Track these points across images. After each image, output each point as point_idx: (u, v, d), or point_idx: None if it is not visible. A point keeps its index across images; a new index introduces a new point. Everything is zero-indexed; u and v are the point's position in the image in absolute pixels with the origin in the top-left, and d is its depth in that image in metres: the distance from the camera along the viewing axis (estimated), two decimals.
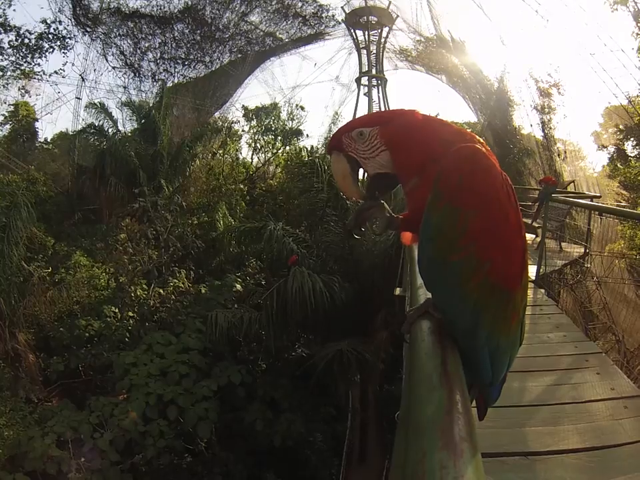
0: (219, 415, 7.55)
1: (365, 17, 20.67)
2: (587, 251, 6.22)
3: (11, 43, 16.05)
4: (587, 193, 10.44)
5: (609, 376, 2.90)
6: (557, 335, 3.57)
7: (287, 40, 21.24)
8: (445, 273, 0.80)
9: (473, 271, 0.78)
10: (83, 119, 17.24)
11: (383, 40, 21.32)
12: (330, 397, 8.84)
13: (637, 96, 13.05)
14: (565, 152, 17.88)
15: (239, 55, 20.51)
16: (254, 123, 20.18)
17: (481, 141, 0.86)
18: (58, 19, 17.07)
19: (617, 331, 5.63)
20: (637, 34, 11.96)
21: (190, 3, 19.51)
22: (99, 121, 14.73)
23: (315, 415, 8.58)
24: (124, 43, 19.36)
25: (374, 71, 22.04)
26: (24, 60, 16.45)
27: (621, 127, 14.30)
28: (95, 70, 18.54)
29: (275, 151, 20.30)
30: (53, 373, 8.53)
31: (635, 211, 7.13)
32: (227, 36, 20.27)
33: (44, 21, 16.76)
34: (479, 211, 0.77)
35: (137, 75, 19.58)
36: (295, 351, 9.26)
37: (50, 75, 17.20)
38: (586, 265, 6.08)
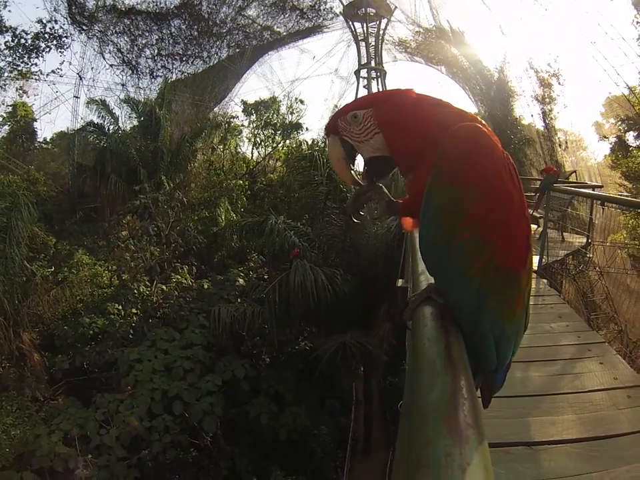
0: (224, 410, 7.60)
1: (363, 9, 20.48)
2: (589, 240, 6.20)
3: (7, 44, 15.96)
4: (588, 182, 10.39)
5: (612, 365, 2.90)
6: (560, 324, 3.57)
7: (285, 33, 21.10)
8: (447, 256, 0.78)
9: (476, 253, 0.75)
10: (81, 118, 17.22)
11: (381, 32, 21.14)
12: (334, 389, 8.88)
13: None
14: (566, 142, 17.79)
15: (237, 50, 20.39)
16: (253, 117, 20.09)
17: (482, 122, 0.83)
18: (53, 18, 16.92)
19: (619, 320, 5.63)
20: (638, 22, 11.85)
21: None
22: (101, 118, 14.67)
23: (319, 407, 8.63)
24: (121, 41, 19.25)
25: (373, 63, 21.87)
26: (21, 60, 16.36)
27: (622, 116, 14.21)
28: (92, 68, 18.44)
29: (274, 145, 20.24)
30: (58, 371, 8.59)
31: (636, 199, 7.10)
32: (224, 31, 20.14)
33: (40, 21, 16.63)
34: (481, 190, 0.74)
35: (135, 72, 19.48)
36: (298, 344, 9.29)
37: (47, 75, 17.08)
38: (588, 255, 6.06)
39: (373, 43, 21.39)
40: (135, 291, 9.69)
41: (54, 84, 17.42)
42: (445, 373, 0.52)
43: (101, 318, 9.28)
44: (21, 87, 17.11)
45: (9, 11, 17.55)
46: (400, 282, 4.14)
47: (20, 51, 16.22)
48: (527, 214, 0.84)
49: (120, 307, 9.50)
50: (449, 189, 0.75)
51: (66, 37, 17.33)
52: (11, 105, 17.42)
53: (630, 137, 14.36)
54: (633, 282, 7.40)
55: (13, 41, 16.03)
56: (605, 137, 15.79)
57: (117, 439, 6.80)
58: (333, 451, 8.25)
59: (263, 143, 20.24)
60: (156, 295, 9.80)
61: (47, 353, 8.91)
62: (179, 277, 10.32)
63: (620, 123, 14.62)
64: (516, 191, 0.79)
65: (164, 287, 10.00)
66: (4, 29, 15.82)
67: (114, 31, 18.94)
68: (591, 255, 6.11)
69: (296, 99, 20.47)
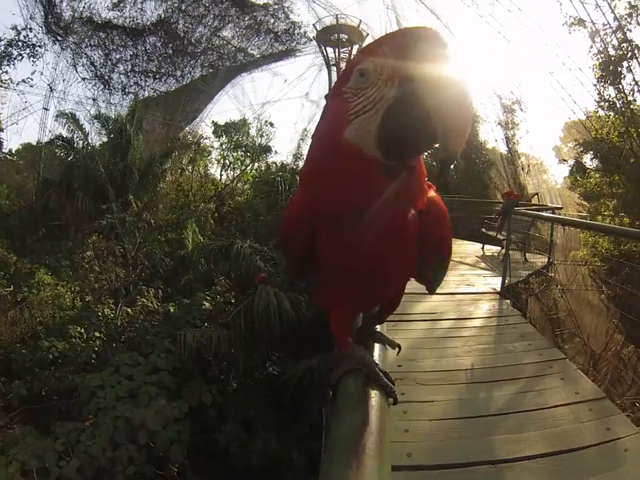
0: (191, 437, 7.32)
1: (336, 35, 21.09)
2: (551, 260, 6.47)
3: None
4: (549, 204, 10.90)
5: (573, 380, 3.01)
6: (522, 344, 3.68)
7: (258, 56, 21.40)
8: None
9: None
10: (50, 131, 16.80)
11: (352, 57, 21.71)
12: (303, 414, 8.72)
13: (595, 111, 13.76)
14: (529, 165, 18.65)
15: (210, 70, 20.51)
16: (224, 138, 20.07)
17: None
18: (29, 26, 16.59)
19: (582, 335, 5.86)
20: (594, 54, 12.69)
21: (163, 16, 19.45)
22: (70, 132, 14.27)
23: (289, 432, 8.43)
24: (95, 54, 19.07)
25: None
26: None
27: (580, 141, 15.00)
28: (63, 80, 18.11)
29: (243, 167, 20.23)
30: (14, 398, 8.09)
31: (591, 222, 7.50)
32: (198, 50, 20.27)
33: (14, 28, 16.25)
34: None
35: (107, 87, 19.25)
36: (266, 369, 9.11)
37: (17, 84, 16.63)
38: (550, 275, 6.32)
39: (344, 68, 21.95)
40: (99, 314, 9.32)
41: (23, 94, 17.02)
42: (357, 410, 0.54)
43: (62, 341, 8.85)
44: None
45: None
46: None
47: None
48: None
49: (82, 330, 9.09)
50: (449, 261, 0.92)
51: (39, 46, 16.96)
52: None
53: (587, 159, 15.16)
54: (594, 297, 7.76)
55: None
56: (564, 160, 16.61)
57: (77, 470, 6.40)
58: (304, 477, 8.04)
59: (232, 165, 20.22)
60: (120, 318, 9.44)
61: (2, 379, 8.41)
62: (145, 300, 10.00)
63: (577, 146, 15.43)
64: None
65: (129, 310, 9.65)
66: None
67: (88, 44, 18.75)
68: (552, 274, 6.37)
69: (266, 121, 20.63)
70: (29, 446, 6.58)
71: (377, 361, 0.83)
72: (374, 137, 0.64)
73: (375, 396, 0.60)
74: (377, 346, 0.91)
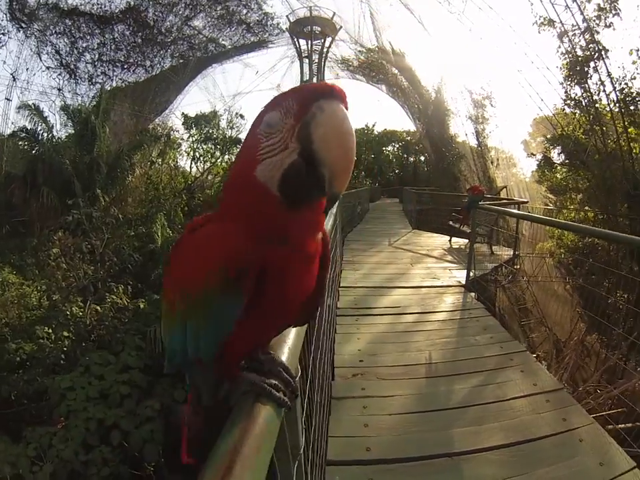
0: (165, 436, 7.25)
1: (309, 27, 20.93)
2: (517, 252, 6.67)
3: None
4: (516, 198, 11.19)
5: (532, 373, 3.10)
6: (484, 337, 3.76)
7: (229, 47, 21.00)
8: None
9: None
10: (12, 122, 16.08)
11: (325, 49, 21.68)
12: None
13: (562, 109, 14.17)
14: (498, 159, 19.10)
15: (181, 61, 20.01)
16: (194, 131, 19.73)
17: None
18: None
19: (547, 323, 6.09)
20: (562, 53, 13.01)
21: (132, 3, 18.79)
22: (33, 124, 13.68)
23: None
24: (60, 42, 18.29)
25: (315, 80, 22.31)
26: None
27: (547, 136, 15.44)
28: (27, 69, 17.34)
29: (214, 160, 19.93)
30: None
31: (553, 219, 7.74)
32: (169, 40, 19.74)
33: None
34: None
35: (73, 76, 18.53)
36: None
37: None
38: (515, 267, 6.51)
39: (317, 60, 21.86)
40: (67, 313, 9.05)
41: None
42: (238, 426, 0.56)
43: (29, 343, 8.57)
44: None
45: None
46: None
47: None
48: None
49: (50, 331, 8.82)
50: None
51: (2, 33, 16.27)
52: None
53: (554, 154, 15.63)
54: (559, 287, 8.07)
55: None
56: (533, 154, 17.08)
57: (51, 475, 6.26)
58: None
59: (202, 158, 19.91)
60: (90, 317, 9.20)
61: None
62: (114, 297, 9.76)
63: (545, 142, 15.89)
64: None
65: (98, 308, 9.39)
66: None
67: (54, 31, 17.97)
68: (518, 267, 6.57)
69: (236, 113, 20.33)
70: (1, 453, 6.40)
71: (267, 379, 0.82)
72: (277, 180, 0.69)
73: (262, 411, 0.64)
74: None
